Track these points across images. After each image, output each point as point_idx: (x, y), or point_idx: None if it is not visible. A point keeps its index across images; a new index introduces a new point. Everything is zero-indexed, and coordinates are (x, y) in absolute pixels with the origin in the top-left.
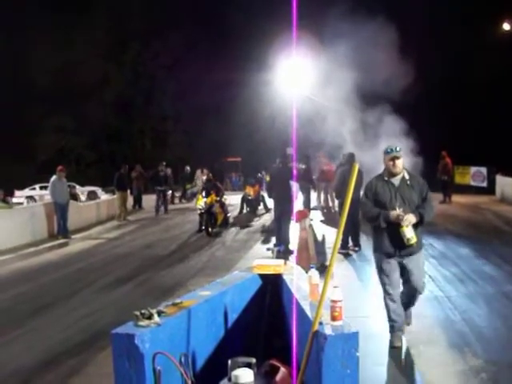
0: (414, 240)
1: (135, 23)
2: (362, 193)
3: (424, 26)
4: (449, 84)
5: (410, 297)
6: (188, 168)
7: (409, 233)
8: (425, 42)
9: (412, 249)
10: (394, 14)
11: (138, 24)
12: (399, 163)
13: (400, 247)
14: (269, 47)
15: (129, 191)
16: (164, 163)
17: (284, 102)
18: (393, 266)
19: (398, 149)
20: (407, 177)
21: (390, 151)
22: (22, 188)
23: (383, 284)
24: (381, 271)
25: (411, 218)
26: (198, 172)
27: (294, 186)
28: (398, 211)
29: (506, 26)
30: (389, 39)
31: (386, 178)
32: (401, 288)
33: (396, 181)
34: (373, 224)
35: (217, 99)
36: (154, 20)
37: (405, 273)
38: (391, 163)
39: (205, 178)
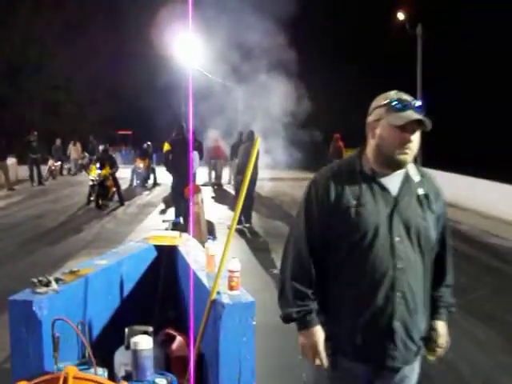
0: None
1: None
2: (301, 206)
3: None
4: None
5: None
6: (59, 140)
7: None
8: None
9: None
10: None
11: None
12: (416, 141)
13: (385, 347)
14: (162, 19)
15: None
16: (35, 132)
17: (176, 75)
18: None
19: (417, 104)
20: (416, 176)
21: (402, 106)
22: None
23: None
24: None
25: (441, 342)
26: (71, 145)
27: (194, 159)
28: None
29: (400, 16)
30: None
31: (368, 173)
32: None
33: (393, 182)
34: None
35: (110, 71)
36: None
37: None
38: (402, 137)
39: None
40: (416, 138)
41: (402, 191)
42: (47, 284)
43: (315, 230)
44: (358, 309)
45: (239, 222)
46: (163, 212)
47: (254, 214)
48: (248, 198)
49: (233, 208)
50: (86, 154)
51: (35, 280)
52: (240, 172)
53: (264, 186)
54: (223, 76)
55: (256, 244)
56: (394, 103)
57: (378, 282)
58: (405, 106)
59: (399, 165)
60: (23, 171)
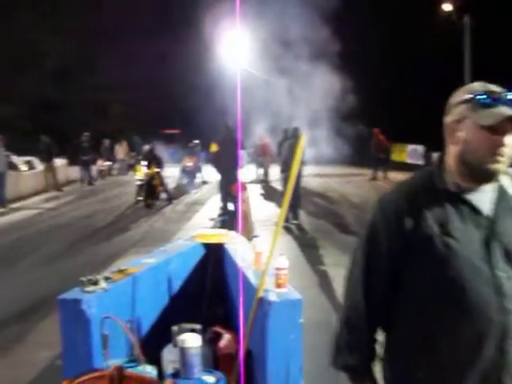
0: None
1: None
2: (362, 234)
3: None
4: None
5: None
6: (107, 141)
7: None
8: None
9: None
10: None
11: None
12: (511, 144)
13: None
14: (209, 19)
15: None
16: (87, 134)
17: (222, 73)
18: None
19: (510, 96)
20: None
21: (492, 101)
22: None
23: None
24: None
25: None
26: (117, 145)
27: (241, 157)
28: None
29: (446, 7)
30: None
31: (453, 190)
32: None
33: (483, 199)
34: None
35: (157, 71)
36: None
37: None
38: (493, 140)
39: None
40: (510, 141)
41: (498, 210)
42: (96, 283)
43: (382, 267)
44: (449, 372)
45: (286, 219)
46: (211, 210)
47: (301, 211)
48: (294, 194)
49: (280, 205)
50: (133, 153)
51: (84, 279)
52: (284, 169)
53: (311, 182)
54: (268, 73)
55: (304, 241)
56: (480, 97)
57: (481, 334)
58: (495, 100)
59: (490, 176)
60: (74, 172)
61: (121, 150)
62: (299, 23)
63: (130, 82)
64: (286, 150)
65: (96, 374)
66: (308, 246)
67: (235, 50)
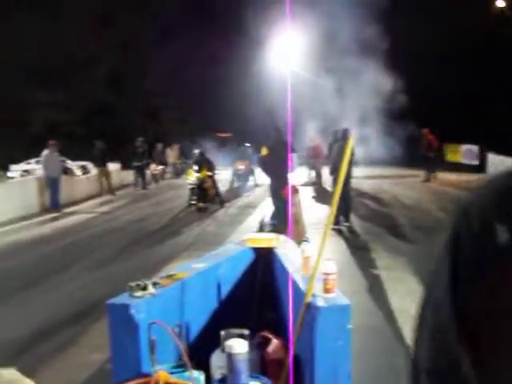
0: None
1: None
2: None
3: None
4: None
5: None
6: (160, 145)
7: None
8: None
9: None
10: None
11: None
12: None
13: None
14: (260, 22)
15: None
16: (141, 139)
17: (272, 76)
18: None
19: None
20: None
21: None
22: (16, 163)
23: None
24: None
25: None
26: (168, 149)
27: (292, 161)
28: None
29: (499, 3)
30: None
31: None
32: None
33: None
34: None
35: (209, 74)
36: None
37: None
38: None
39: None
40: None
41: None
42: (144, 288)
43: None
44: None
45: (337, 222)
46: (263, 213)
47: (352, 213)
48: (345, 196)
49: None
50: (183, 157)
51: (133, 284)
52: (333, 171)
53: (362, 184)
54: (317, 74)
55: (355, 243)
56: None
57: None
58: None
59: None
60: (127, 176)
61: (172, 154)
62: (348, 22)
63: (182, 86)
64: (335, 151)
65: (140, 381)
66: (359, 248)
67: (285, 52)
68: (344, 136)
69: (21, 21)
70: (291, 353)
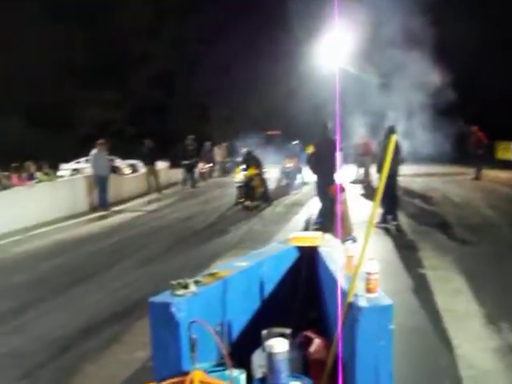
0: None
1: None
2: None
3: None
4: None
5: None
6: (208, 143)
7: None
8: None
9: None
10: None
11: None
12: None
13: None
14: (306, 19)
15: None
16: (192, 137)
17: (319, 72)
18: None
19: None
20: None
21: None
22: (66, 161)
23: None
24: None
25: None
26: (216, 148)
27: (338, 158)
28: None
29: None
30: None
31: None
32: None
33: None
34: None
35: (256, 73)
36: None
37: None
38: None
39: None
40: None
41: None
42: (186, 286)
43: None
44: None
45: (384, 221)
46: (310, 212)
47: (401, 212)
48: (391, 195)
49: (381, 205)
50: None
51: (174, 282)
52: (379, 169)
53: (410, 182)
54: (365, 69)
55: (402, 242)
56: None
57: None
58: None
59: None
60: (175, 175)
61: (219, 153)
62: (395, 15)
63: (230, 84)
64: (379, 149)
65: (175, 380)
66: (406, 247)
67: (332, 48)
68: (389, 133)
69: (71, 21)
70: (333, 353)
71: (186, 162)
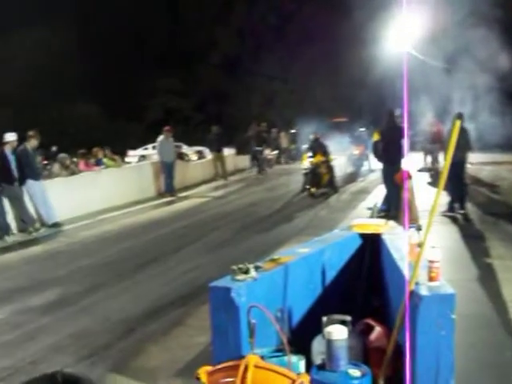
0: None
1: None
2: None
3: None
4: None
5: None
6: (274, 130)
7: None
8: None
9: None
10: None
11: None
12: None
13: None
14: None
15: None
16: (265, 124)
17: (389, 60)
18: None
19: None
20: None
21: None
22: (134, 148)
23: None
24: None
25: None
26: (282, 134)
27: (405, 146)
28: None
29: None
30: None
31: None
32: None
33: None
34: None
35: (322, 59)
36: None
37: None
38: None
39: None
40: None
41: None
42: (246, 272)
43: None
44: None
45: (451, 209)
46: (376, 199)
47: (468, 200)
48: (459, 183)
49: (448, 193)
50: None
51: (235, 267)
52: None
53: (479, 171)
54: (436, 56)
55: (469, 231)
56: None
57: None
58: None
59: None
60: (242, 161)
61: (286, 139)
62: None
63: (296, 71)
64: (446, 137)
65: (231, 364)
66: (473, 237)
67: (401, 34)
68: (456, 120)
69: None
70: (393, 341)
71: (258, 149)
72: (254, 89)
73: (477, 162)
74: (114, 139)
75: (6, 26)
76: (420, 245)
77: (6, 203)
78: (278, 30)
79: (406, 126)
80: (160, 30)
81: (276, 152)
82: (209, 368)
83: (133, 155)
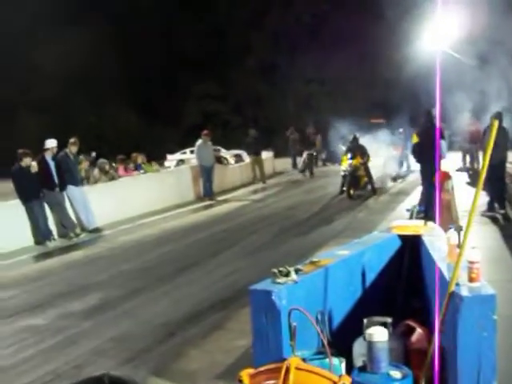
0: None
1: None
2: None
3: None
4: None
5: None
6: (310, 131)
7: None
8: None
9: None
10: None
11: None
12: None
13: None
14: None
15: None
16: (312, 127)
17: (425, 60)
18: None
19: None
20: None
21: None
22: (172, 152)
23: None
24: None
25: None
26: (320, 136)
27: (443, 146)
28: None
29: None
30: None
31: None
32: None
33: None
34: None
35: (358, 60)
36: None
37: None
38: None
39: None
40: None
41: None
42: (287, 274)
43: None
44: None
45: (491, 209)
46: (415, 200)
47: (509, 200)
48: (499, 183)
49: (487, 194)
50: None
51: (276, 270)
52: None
53: None
54: (472, 55)
55: (509, 231)
56: None
57: None
58: None
59: None
60: (280, 164)
61: (319, 142)
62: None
63: (334, 73)
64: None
65: (272, 366)
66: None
67: (436, 33)
68: (494, 119)
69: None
70: (435, 343)
71: (309, 152)
72: (289, 91)
73: None
74: (151, 144)
75: (41, 30)
76: (460, 245)
77: (47, 209)
78: (312, 32)
79: (442, 126)
80: (197, 36)
81: (314, 154)
82: (251, 370)
83: (171, 159)
